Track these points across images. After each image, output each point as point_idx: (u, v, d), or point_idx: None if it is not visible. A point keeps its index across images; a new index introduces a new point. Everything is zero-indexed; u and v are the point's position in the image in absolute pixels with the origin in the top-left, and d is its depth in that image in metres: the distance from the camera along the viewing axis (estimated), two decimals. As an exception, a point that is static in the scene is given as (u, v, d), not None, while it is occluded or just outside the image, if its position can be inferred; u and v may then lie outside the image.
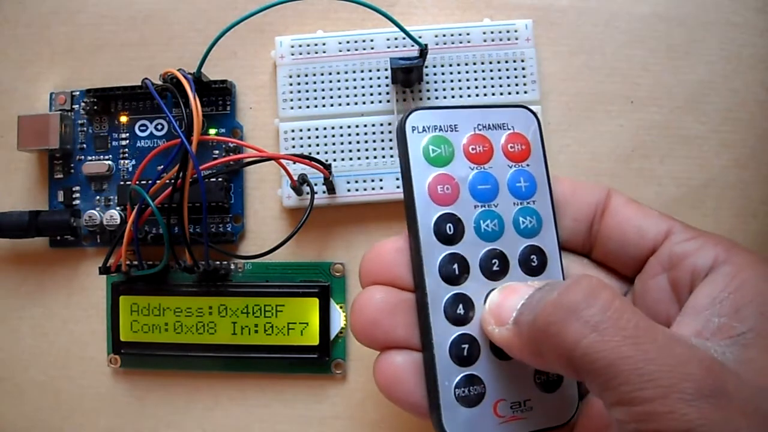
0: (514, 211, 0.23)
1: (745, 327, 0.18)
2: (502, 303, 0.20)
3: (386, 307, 0.22)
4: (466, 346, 0.21)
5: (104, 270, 0.29)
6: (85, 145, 0.32)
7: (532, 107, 0.29)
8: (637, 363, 0.16)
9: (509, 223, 0.22)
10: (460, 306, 0.21)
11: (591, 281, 0.18)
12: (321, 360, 0.29)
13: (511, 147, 0.23)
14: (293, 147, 0.30)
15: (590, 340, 0.16)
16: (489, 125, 0.23)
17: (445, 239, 0.22)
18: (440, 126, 0.23)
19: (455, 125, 0.23)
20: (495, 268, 0.22)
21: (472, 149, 0.23)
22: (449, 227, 0.22)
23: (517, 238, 0.22)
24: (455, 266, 0.22)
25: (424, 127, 0.23)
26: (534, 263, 0.22)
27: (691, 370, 0.16)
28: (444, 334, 0.21)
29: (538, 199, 0.23)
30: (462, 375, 0.21)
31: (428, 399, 0.21)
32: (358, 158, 0.30)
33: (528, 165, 0.23)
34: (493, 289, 0.22)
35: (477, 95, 0.30)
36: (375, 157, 0.30)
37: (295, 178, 0.29)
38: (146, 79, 0.28)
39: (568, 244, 0.24)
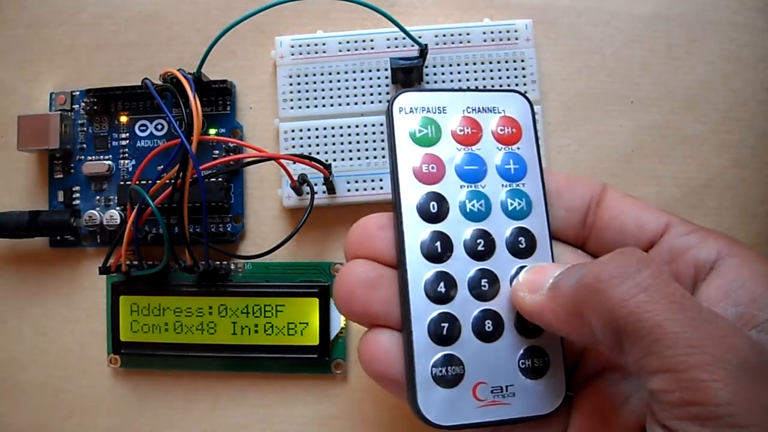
0: (502, 192, 0.23)
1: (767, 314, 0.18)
2: (537, 274, 0.20)
3: (364, 280, 0.22)
4: (446, 325, 0.21)
5: (104, 270, 0.29)
6: (85, 145, 0.32)
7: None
8: (685, 326, 0.16)
9: (497, 205, 0.22)
10: (442, 284, 0.21)
11: (641, 252, 0.18)
12: (321, 360, 0.29)
13: (502, 130, 0.23)
14: (293, 147, 0.30)
15: (639, 300, 0.16)
16: (479, 108, 0.23)
17: (429, 217, 0.22)
18: (428, 107, 0.23)
19: (444, 107, 0.23)
20: (480, 248, 0.22)
21: (460, 131, 0.23)
22: (433, 206, 0.22)
23: (504, 219, 0.22)
24: (438, 244, 0.21)
25: (411, 108, 0.23)
26: (522, 245, 0.22)
27: (736, 344, 0.16)
28: (423, 311, 0.21)
29: (528, 182, 0.23)
30: (440, 354, 0.21)
31: (406, 378, 0.21)
32: (358, 158, 0.30)
33: (519, 148, 0.23)
34: (480, 269, 0.22)
35: (477, 95, 0.30)
36: (375, 157, 0.30)
37: (295, 178, 0.29)
38: (146, 79, 0.28)
39: (560, 234, 0.24)
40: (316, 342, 0.29)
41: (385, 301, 0.22)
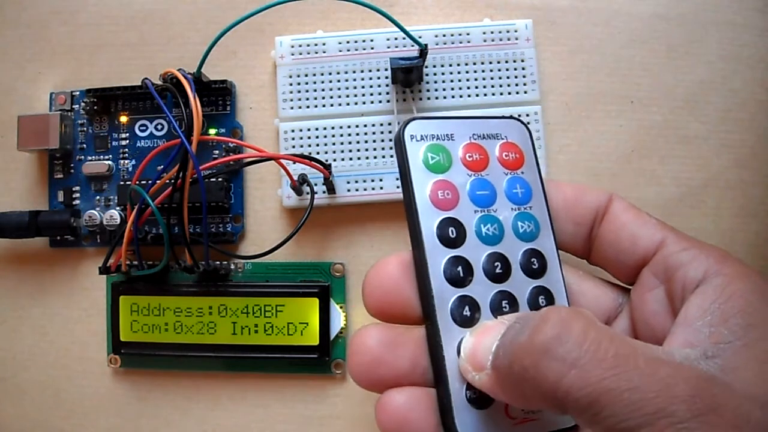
0: (512, 216, 0.23)
1: (733, 336, 0.18)
2: (477, 347, 0.20)
3: (386, 341, 0.22)
4: None
5: (104, 270, 0.29)
6: (85, 145, 0.32)
7: (531, 107, 0.29)
8: (621, 394, 0.16)
9: (509, 228, 0.23)
10: (467, 308, 0.21)
11: (560, 314, 0.18)
12: (321, 360, 0.29)
13: (506, 155, 0.24)
14: (293, 147, 0.30)
15: (570, 378, 0.16)
16: (483, 135, 0.24)
17: (448, 242, 0.22)
18: (437, 135, 0.23)
19: (451, 134, 0.23)
20: (498, 270, 0.22)
21: (469, 157, 0.23)
22: (452, 231, 0.22)
23: (516, 242, 0.23)
24: (459, 268, 0.22)
25: (422, 135, 0.23)
26: (534, 266, 0.23)
27: (677, 392, 0.16)
28: (452, 336, 0.21)
29: (534, 205, 0.23)
30: None
31: (438, 406, 0.21)
32: (358, 158, 0.30)
33: (522, 172, 0.24)
34: (499, 291, 0.22)
35: (477, 95, 0.30)
36: (375, 157, 0.30)
37: (295, 178, 0.29)
38: (146, 79, 0.28)
39: (568, 247, 0.24)
40: (316, 342, 0.29)
41: (412, 357, 0.22)
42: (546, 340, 0.17)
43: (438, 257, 0.22)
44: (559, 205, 0.24)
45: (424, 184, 0.22)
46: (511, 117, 0.25)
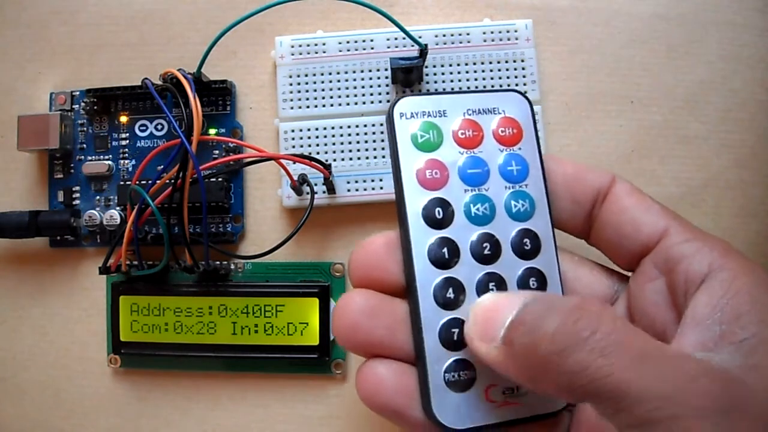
0: (505, 194, 0.22)
1: (748, 333, 0.18)
2: (488, 316, 0.19)
3: (367, 309, 0.21)
4: (456, 330, 0.21)
5: (104, 270, 0.29)
6: (85, 145, 0.32)
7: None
8: (649, 382, 0.16)
9: (501, 207, 0.22)
10: (450, 290, 0.21)
11: (593, 306, 0.18)
12: (321, 360, 0.29)
13: (502, 131, 0.23)
14: (293, 147, 0.30)
15: (597, 365, 0.16)
16: (479, 110, 0.23)
17: (434, 223, 0.22)
18: (429, 112, 0.23)
19: (444, 110, 0.23)
20: (486, 251, 0.22)
21: (462, 134, 0.23)
22: (438, 211, 0.22)
23: (509, 221, 0.22)
24: (445, 250, 0.21)
25: (412, 113, 0.23)
26: (527, 247, 0.22)
27: (704, 387, 0.16)
28: (434, 317, 0.21)
29: (531, 183, 0.23)
30: (452, 359, 0.21)
31: (419, 386, 0.21)
32: (358, 158, 0.30)
33: (520, 149, 0.23)
34: (487, 273, 0.21)
35: (477, 95, 0.30)
36: (375, 157, 0.30)
37: (295, 178, 0.29)
38: (146, 79, 0.28)
39: (566, 226, 0.24)
40: (316, 342, 0.29)
41: (389, 328, 0.21)
42: (579, 329, 0.17)
43: (423, 238, 0.21)
44: (559, 180, 0.23)
45: (411, 164, 0.22)
46: (511, 90, 0.24)
